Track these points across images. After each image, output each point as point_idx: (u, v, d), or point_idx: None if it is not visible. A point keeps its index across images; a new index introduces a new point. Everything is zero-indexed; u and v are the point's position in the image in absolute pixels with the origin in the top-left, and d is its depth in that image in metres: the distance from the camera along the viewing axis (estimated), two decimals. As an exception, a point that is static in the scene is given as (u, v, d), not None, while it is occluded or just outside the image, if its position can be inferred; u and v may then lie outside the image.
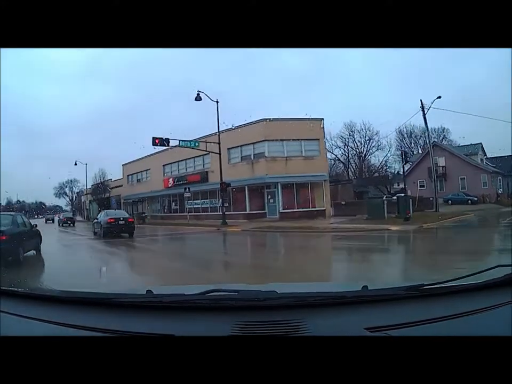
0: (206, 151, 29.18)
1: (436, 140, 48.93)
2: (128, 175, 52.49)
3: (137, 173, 49.91)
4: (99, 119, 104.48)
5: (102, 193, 55.18)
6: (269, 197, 32.04)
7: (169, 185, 41.13)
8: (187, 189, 31.92)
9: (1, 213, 15.49)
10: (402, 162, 34.26)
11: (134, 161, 49.84)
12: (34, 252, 13.34)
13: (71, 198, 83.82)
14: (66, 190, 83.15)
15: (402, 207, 22.27)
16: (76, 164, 54.21)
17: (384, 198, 24.75)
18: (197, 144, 28.98)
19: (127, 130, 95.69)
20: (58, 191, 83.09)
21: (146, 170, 47.33)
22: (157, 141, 26.22)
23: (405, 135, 52.24)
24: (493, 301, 1.76)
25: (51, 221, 52.32)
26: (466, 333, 1.52)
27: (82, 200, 67.68)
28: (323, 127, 32.92)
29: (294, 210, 30.71)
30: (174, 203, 42.23)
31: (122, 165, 53.77)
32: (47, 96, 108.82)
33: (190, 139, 29.33)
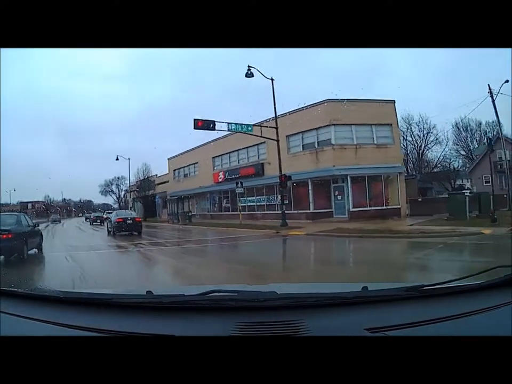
0: (261, 136, 25.85)
1: (490, 134, 47.70)
2: (174, 170, 51.68)
3: (184, 167, 48.83)
4: (146, 116, 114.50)
5: (146, 190, 54.11)
6: (336, 192, 28.88)
7: (220, 180, 39.29)
8: (239, 184, 29.34)
9: (7, 213, 17.94)
10: (488, 151, 31.56)
11: (180, 154, 48.81)
12: (37, 250, 14.71)
13: (118, 195, 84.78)
14: (113, 187, 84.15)
15: (484, 205, 21.38)
16: (117, 159, 53.87)
17: (466, 194, 23.15)
18: (249, 128, 25.76)
19: (175, 126, 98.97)
20: (105, 188, 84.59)
21: (194, 163, 45.99)
22: (199, 123, 22.96)
23: (461, 129, 51.71)
24: (493, 302, 1.85)
25: (89, 220, 53.62)
26: (466, 333, 1.60)
27: (128, 198, 67.69)
28: (396, 111, 29.91)
29: (366, 208, 27.74)
30: (225, 200, 40.21)
31: (168, 159, 53.16)
32: (96, 96, 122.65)
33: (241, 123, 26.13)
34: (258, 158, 34.81)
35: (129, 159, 55.51)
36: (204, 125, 23.11)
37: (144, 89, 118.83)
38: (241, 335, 1.61)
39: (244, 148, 35.93)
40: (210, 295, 1.92)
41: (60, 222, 59.80)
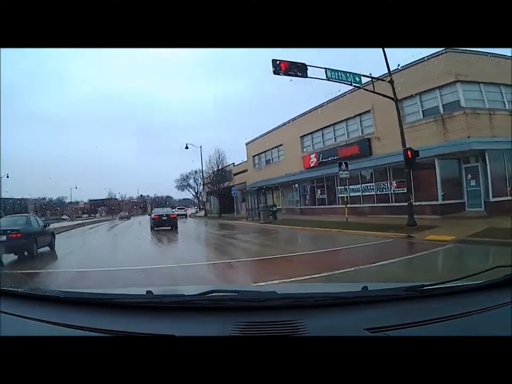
0: (374, 92, 20.19)
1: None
2: (253, 156, 48.44)
3: (265, 151, 45.28)
4: (222, 109, 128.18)
5: (221, 182, 51.19)
6: (469, 176, 22.96)
7: (311, 165, 34.81)
8: (343, 165, 23.75)
9: (18, 214, 19.94)
10: None
11: (261, 136, 45.37)
12: (49, 247, 17.56)
13: (196, 190, 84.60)
14: (191, 181, 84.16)
15: None
16: (187, 147, 52.27)
17: None
18: (357, 79, 19.88)
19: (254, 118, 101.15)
20: (181, 183, 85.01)
21: (278, 146, 42.10)
22: (282, 66, 17.27)
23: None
24: (493, 302, 1.97)
25: None
26: (466, 333, 1.71)
27: (202, 192, 66.42)
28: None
29: (506, 198, 21.56)
30: (319, 190, 35.20)
31: (246, 144, 50.19)
32: (173, 94, 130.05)
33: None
34: (361, 132, 29.54)
35: (200, 147, 53.45)
36: (290, 68, 17.47)
37: (218, 85, 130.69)
38: (241, 335, 1.73)
39: (342, 121, 31.13)
40: (210, 295, 2.08)
41: (129, 218, 66.42)
